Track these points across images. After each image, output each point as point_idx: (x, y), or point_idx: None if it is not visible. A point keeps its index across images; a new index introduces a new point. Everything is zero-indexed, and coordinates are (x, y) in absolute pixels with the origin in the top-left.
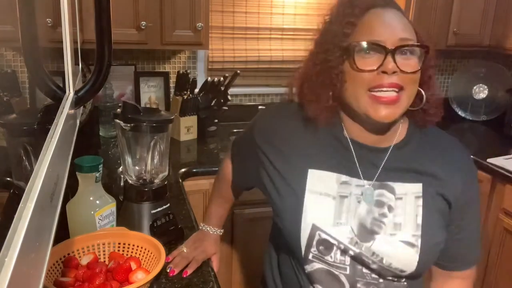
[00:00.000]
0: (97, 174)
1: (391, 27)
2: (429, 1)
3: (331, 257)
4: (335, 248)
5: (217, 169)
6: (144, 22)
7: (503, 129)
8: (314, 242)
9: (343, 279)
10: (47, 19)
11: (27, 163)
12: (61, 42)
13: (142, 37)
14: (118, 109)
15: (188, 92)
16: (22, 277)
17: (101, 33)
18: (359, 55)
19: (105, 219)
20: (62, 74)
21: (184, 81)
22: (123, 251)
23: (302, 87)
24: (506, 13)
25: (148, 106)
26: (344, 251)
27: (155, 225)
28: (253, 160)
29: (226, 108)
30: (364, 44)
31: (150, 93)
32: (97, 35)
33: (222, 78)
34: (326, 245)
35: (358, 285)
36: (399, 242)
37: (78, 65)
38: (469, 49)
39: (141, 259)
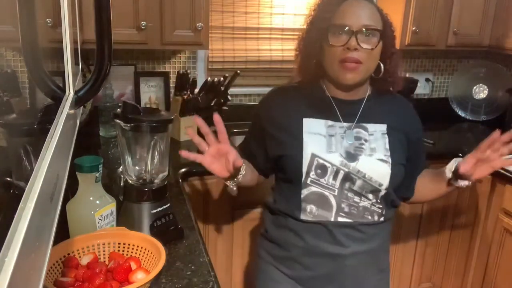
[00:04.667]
0: (97, 174)
1: (357, 15)
2: (429, 1)
3: (325, 179)
4: (329, 171)
5: None
6: (144, 22)
7: (503, 129)
8: (313, 167)
9: (332, 199)
10: (47, 19)
11: (27, 163)
12: (61, 42)
13: (142, 37)
14: (118, 109)
15: (188, 92)
16: (22, 277)
17: (101, 33)
18: (332, 34)
19: (105, 219)
20: (62, 74)
21: (184, 81)
22: (123, 251)
23: (297, 58)
24: (506, 13)
25: (148, 106)
26: (336, 174)
27: (155, 225)
28: (260, 133)
29: (226, 108)
30: (337, 26)
31: (150, 93)
32: (97, 35)
33: (222, 78)
34: (322, 169)
35: (343, 205)
36: (376, 159)
37: (78, 65)
38: (469, 49)
39: (141, 259)
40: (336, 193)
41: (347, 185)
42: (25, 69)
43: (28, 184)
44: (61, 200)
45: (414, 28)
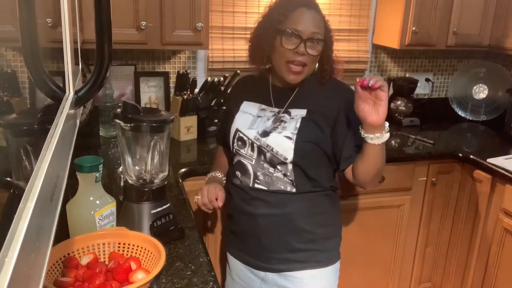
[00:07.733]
0: (97, 174)
1: (308, 23)
2: (429, 1)
3: (244, 150)
4: (247, 144)
5: None
6: (144, 22)
7: (503, 129)
8: (235, 139)
9: (249, 168)
10: (47, 19)
11: (27, 163)
12: (61, 42)
13: (142, 37)
14: (118, 109)
15: (188, 92)
16: (22, 277)
17: (101, 33)
18: (285, 37)
19: (105, 219)
20: (62, 74)
21: (184, 81)
22: (123, 251)
23: (249, 49)
24: (506, 13)
25: (148, 106)
26: (252, 146)
27: (155, 225)
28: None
29: (226, 108)
30: (290, 30)
31: (150, 93)
32: (97, 35)
33: (222, 78)
34: (242, 141)
35: (258, 173)
36: (283, 136)
37: (78, 65)
38: (469, 49)
39: (141, 259)
40: (253, 163)
41: (262, 157)
42: (25, 69)
43: (28, 184)
44: (61, 200)
45: (414, 28)
